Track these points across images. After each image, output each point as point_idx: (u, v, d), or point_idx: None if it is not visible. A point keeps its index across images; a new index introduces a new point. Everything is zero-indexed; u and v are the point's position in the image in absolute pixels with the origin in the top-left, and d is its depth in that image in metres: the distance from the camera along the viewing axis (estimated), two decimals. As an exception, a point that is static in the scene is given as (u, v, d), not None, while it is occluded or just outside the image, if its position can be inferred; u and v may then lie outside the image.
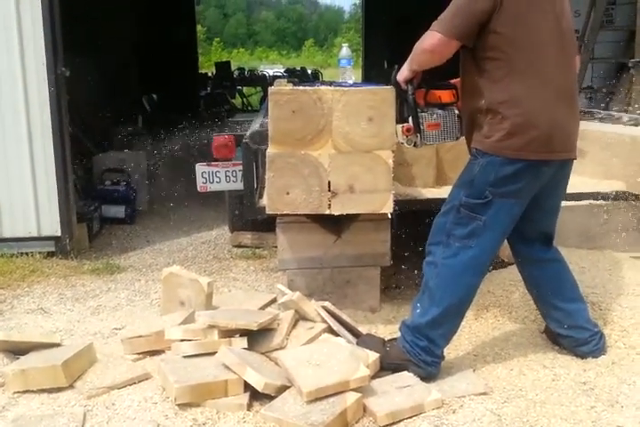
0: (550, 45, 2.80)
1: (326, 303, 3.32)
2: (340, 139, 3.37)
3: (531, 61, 2.76)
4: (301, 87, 3.63)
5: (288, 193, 3.40)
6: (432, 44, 2.81)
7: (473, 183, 2.88)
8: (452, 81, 3.23)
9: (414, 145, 3.19)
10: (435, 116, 3.16)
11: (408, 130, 3.14)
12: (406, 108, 3.15)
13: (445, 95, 3.16)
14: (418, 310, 3.00)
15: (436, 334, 2.96)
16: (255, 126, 4.23)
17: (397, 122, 3.23)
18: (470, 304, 3.04)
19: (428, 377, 2.96)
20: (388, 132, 3.33)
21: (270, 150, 3.44)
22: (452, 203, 2.97)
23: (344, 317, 3.32)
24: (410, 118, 3.14)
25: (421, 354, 2.95)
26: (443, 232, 2.95)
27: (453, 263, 2.91)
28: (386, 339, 3.19)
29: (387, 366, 3.00)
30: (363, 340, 3.15)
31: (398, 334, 3.10)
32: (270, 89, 3.50)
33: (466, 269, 2.92)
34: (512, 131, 2.75)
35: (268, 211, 3.47)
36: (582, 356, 3.16)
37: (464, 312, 3.03)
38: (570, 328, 3.15)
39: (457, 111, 3.15)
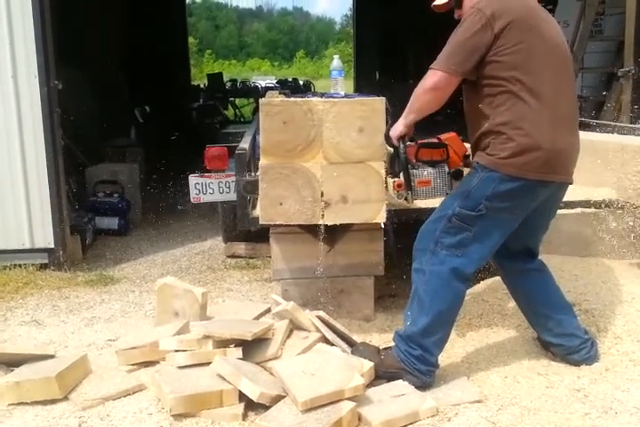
0: (548, 69, 2.83)
1: (321, 313, 3.33)
2: (331, 149, 3.39)
3: (530, 86, 2.80)
4: (292, 98, 3.65)
5: (281, 204, 3.42)
6: (435, 81, 2.86)
7: (469, 195, 2.90)
8: (443, 137, 3.32)
9: (405, 199, 3.26)
10: (425, 173, 3.24)
11: (399, 185, 3.21)
12: (397, 164, 3.20)
13: (436, 153, 3.23)
14: (409, 320, 3.01)
15: (429, 342, 2.97)
16: (246, 143, 4.24)
17: (388, 174, 3.29)
18: (458, 312, 3.05)
19: (423, 386, 2.97)
20: (378, 142, 3.36)
21: (263, 161, 3.46)
22: (444, 211, 2.98)
23: (338, 326, 3.32)
24: (401, 174, 3.19)
25: (416, 363, 2.96)
26: (431, 239, 2.97)
27: (440, 271, 2.93)
28: (380, 348, 3.19)
29: (382, 375, 3.01)
30: (357, 349, 3.15)
31: (392, 343, 3.11)
32: (261, 100, 3.52)
33: (452, 276, 2.93)
34: (516, 150, 2.79)
35: (262, 221, 3.48)
36: (575, 364, 3.17)
37: (454, 320, 3.05)
38: (560, 336, 3.17)
39: (447, 169, 3.23)
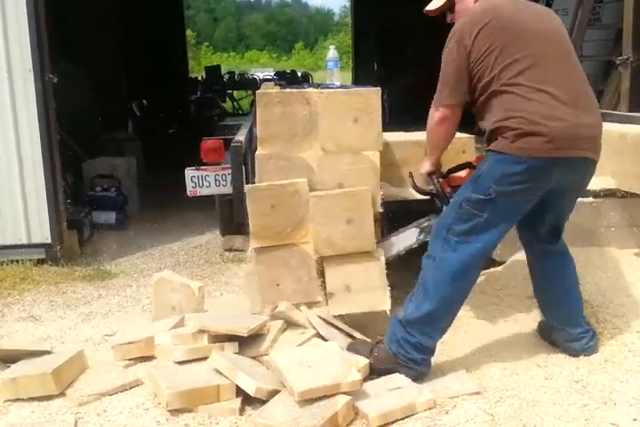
0: (532, 55, 2.83)
1: (320, 311, 3.31)
2: (327, 140, 3.39)
3: (512, 78, 2.81)
4: (288, 89, 3.65)
5: (278, 284, 3.39)
6: (439, 117, 2.99)
7: (479, 179, 2.90)
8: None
9: None
10: None
11: None
12: (439, 201, 3.23)
13: (466, 174, 3.21)
14: (412, 305, 2.98)
15: (431, 327, 2.95)
16: (242, 136, 4.21)
17: None
18: (464, 301, 3.03)
19: (419, 377, 2.95)
20: (374, 133, 3.35)
21: (260, 151, 3.43)
22: (457, 198, 2.98)
23: (339, 324, 3.31)
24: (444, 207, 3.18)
25: (410, 352, 2.94)
26: (443, 227, 2.96)
27: (451, 258, 2.91)
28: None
29: (377, 372, 2.98)
30: (352, 345, 3.14)
31: (384, 337, 3.09)
32: (257, 92, 3.51)
33: (463, 264, 2.91)
34: (520, 133, 2.78)
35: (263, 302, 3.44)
36: (574, 354, 3.16)
37: (457, 309, 3.02)
38: (565, 323, 3.17)
39: None
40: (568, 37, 3.06)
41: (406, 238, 3.51)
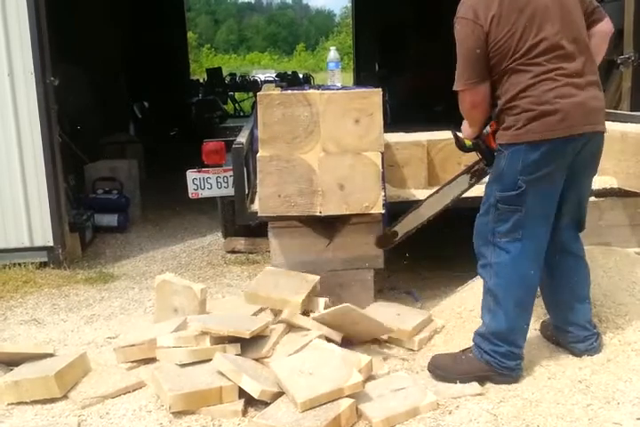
0: (529, 38, 2.81)
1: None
2: (329, 141, 3.39)
3: (526, 57, 2.80)
4: (289, 91, 3.65)
5: (279, 196, 3.41)
6: (470, 101, 2.94)
7: (502, 176, 2.88)
8: None
9: None
10: None
11: None
12: (485, 160, 3.16)
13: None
14: (487, 317, 2.97)
15: (514, 334, 2.93)
16: (243, 137, 4.21)
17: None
18: (535, 295, 3.02)
19: (514, 382, 2.95)
20: (375, 133, 3.35)
21: (261, 153, 3.46)
22: (487, 202, 2.96)
23: None
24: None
25: (504, 361, 2.92)
26: (487, 232, 2.95)
27: (507, 260, 2.90)
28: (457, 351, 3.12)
29: (466, 381, 2.94)
30: (433, 364, 3.05)
31: (471, 344, 3.06)
32: (259, 94, 3.52)
33: (520, 262, 2.90)
34: (530, 116, 2.78)
35: (260, 213, 3.49)
36: (578, 354, 3.15)
37: (532, 306, 3.01)
38: (571, 324, 3.15)
39: None
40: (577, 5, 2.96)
41: (459, 185, 3.48)
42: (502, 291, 2.92)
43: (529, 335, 3.30)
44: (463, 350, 3.08)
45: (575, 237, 3.17)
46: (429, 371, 3.04)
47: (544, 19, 2.83)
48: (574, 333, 3.15)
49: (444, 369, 2.99)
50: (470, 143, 3.15)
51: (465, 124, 3.15)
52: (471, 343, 3.07)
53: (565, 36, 2.84)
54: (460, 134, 3.22)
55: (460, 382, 2.93)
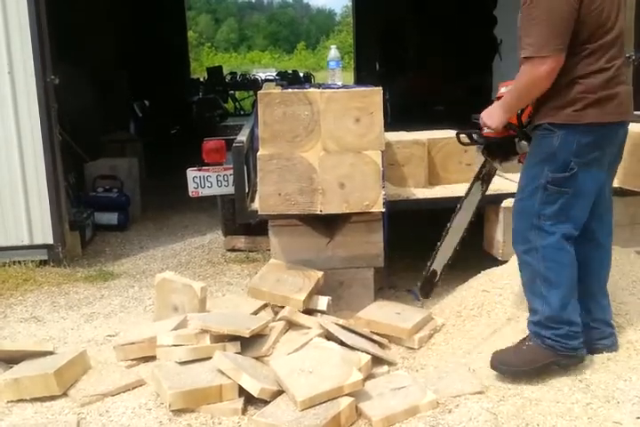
0: (608, 21, 2.77)
1: (341, 321, 3.30)
2: (329, 139, 3.39)
3: (597, 38, 2.75)
4: (290, 90, 3.66)
5: (280, 194, 3.42)
6: (547, 70, 2.71)
7: (556, 156, 2.82)
8: None
9: None
10: None
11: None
12: (519, 138, 3.04)
13: None
14: (538, 302, 2.94)
15: (569, 313, 2.91)
16: (243, 136, 4.21)
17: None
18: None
19: (581, 362, 2.96)
20: (375, 132, 3.35)
21: (262, 152, 3.46)
22: (535, 183, 2.88)
23: (359, 330, 3.31)
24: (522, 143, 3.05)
25: (567, 342, 2.90)
26: (531, 215, 2.90)
27: (552, 242, 2.88)
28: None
29: (532, 372, 2.92)
30: (496, 361, 2.98)
31: (527, 333, 3.04)
32: (259, 92, 3.52)
33: (564, 243, 2.89)
34: (592, 99, 2.75)
35: (261, 212, 3.49)
36: (599, 351, 3.11)
37: (576, 282, 2.99)
38: (596, 321, 3.12)
39: None
40: None
41: (474, 195, 3.47)
42: (555, 274, 2.90)
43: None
44: (520, 342, 3.04)
45: (607, 229, 3.13)
46: (494, 369, 2.98)
47: (620, 5, 2.81)
48: (601, 329, 3.12)
49: (508, 364, 2.96)
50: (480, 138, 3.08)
51: (496, 112, 2.97)
52: (472, 341, 3.06)
53: (623, 28, 2.84)
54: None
55: (527, 375, 2.91)
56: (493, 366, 2.98)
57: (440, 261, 3.64)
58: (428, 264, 3.64)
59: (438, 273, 3.66)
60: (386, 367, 3.13)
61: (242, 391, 2.80)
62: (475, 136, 3.18)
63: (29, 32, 4.74)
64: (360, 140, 3.43)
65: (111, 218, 6.16)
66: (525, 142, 3.02)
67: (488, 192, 4.11)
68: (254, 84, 15.28)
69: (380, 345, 3.31)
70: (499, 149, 3.13)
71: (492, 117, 2.98)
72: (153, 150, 8.78)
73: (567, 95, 2.78)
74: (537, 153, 2.91)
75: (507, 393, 2.86)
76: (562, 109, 2.80)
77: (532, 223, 2.91)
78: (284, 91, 3.61)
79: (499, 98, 3.05)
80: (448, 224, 3.57)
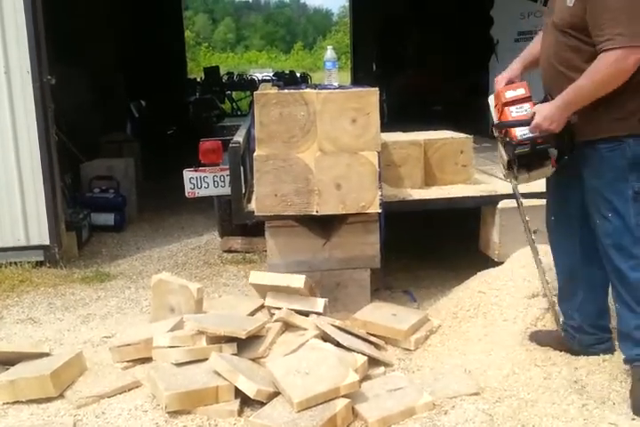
0: None
1: (337, 322, 3.29)
2: (325, 140, 3.39)
3: None
4: (286, 90, 3.66)
5: (276, 195, 3.42)
6: (636, 61, 2.55)
7: (637, 164, 2.68)
8: None
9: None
10: None
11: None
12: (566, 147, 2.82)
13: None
14: None
15: None
16: (240, 137, 4.21)
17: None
18: None
19: None
20: (372, 133, 3.35)
21: (258, 153, 3.46)
22: (622, 196, 2.72)
23: (356, 331, 3.31)
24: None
25: None
26: (628, 229, 2.73)
27: None
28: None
29: None
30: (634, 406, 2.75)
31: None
32: (255, 93, 3.52)
33: None
34: None
35: (257, 213, 3.49)
36: (594, 353, 3.10)
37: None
38: (598, 326, 3.09)
39: None
40: None
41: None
42: None
43: (525, 337, 3.31)
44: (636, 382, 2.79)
45: None
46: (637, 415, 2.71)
47: None
48: (599, 334, 3.10)
49: None
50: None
51: (555, 113, 2.72)
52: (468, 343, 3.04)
53: None
54: (520, 131, 2.84)
55: None
56: (636, 412, 2.73)
57: (542, 278, 3.39)
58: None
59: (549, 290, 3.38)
60: (382, 369, 3.13)
61: (238, 393, 2.80)
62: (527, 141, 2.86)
63: (26, 31, 4.73)
64: (356, 141, 3.43)
65: (108, 219, 6.15)
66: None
67: (483, 193, 4.15)
68: (251, 85, 15.31)
69: (377, 346, 3.31)
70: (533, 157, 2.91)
71: (554, 120, 2.74)
72: (150, 151, 8.77)
73: (628, 105, 2.65)
74: (608, 169, 2.74)
75: (502, 395, 2.87)
76: (624, 121, 2.68)
77: (633, 236, 2.74)
78: (281, 91, 3.61)
79: (507, 104, 2.92)
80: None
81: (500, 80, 3.08)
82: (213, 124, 9.75)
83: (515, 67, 3.12)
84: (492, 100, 3.11)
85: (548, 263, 3.30)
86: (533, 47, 3.08)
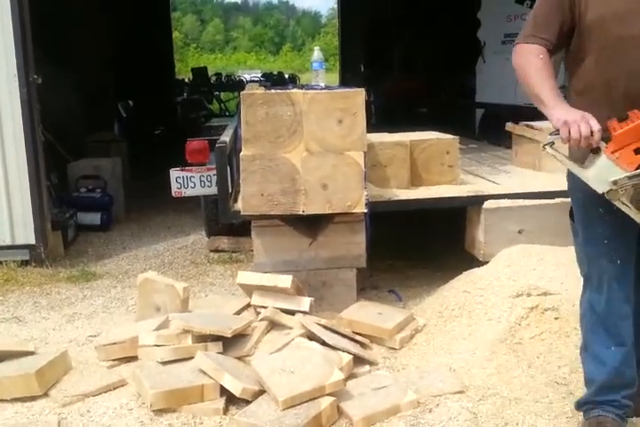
0: None
1: (323, 321, 3.30)
2: (312, 140, 3.40)
3: None
4: (273, 90, 3.67)
5: (262, 195, 3.43)
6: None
7: None
8: None
9: None
10: None
11: None
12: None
13: None
14: None
15: None
16: (227, 137, 4.22)
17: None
18: None
19: None
20: (358, 133, 3.36)
21: (244, 153, 3.47)
22: None
23: (341, 330, 3.31)
24: None
25: None
26: None
27: None
28: None
29: None
30: None
31: None
32: (242, 93, 3.53)
33: None
34: None
35: (243, 212, 3.50)
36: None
37: None
38: None
39: None
40: None
41: None
42: None
43: (509, 336, 3.32)
44: None
45: None
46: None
47: None
48: None
49: None
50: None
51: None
52: (452, 341, 3.06)
53: None
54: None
55: None
56: None
57: None
58: None
59: None
60: (367, 367, 3.14)
61: (223, 391, 2.81)
62: None
63: (12, 30, 4.71)
64: (342, 141, 3.44)
65: (94, 218, 6.13)
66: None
67: (469, 193, 4.17)
68: (239, 86, 15.29)
69: (362, 345, 3.32)
70: None
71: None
72: (137, 151, 8.75)
73: None
74: None
75: (486, 393, 2.89)
76: None
77: None
78: (267, 91, 3.62)
79: None
80: None
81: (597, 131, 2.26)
82: (201, 124, 9.74)
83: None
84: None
85: (527, 265, 3.32)
86: (551, 78, 2.52)
